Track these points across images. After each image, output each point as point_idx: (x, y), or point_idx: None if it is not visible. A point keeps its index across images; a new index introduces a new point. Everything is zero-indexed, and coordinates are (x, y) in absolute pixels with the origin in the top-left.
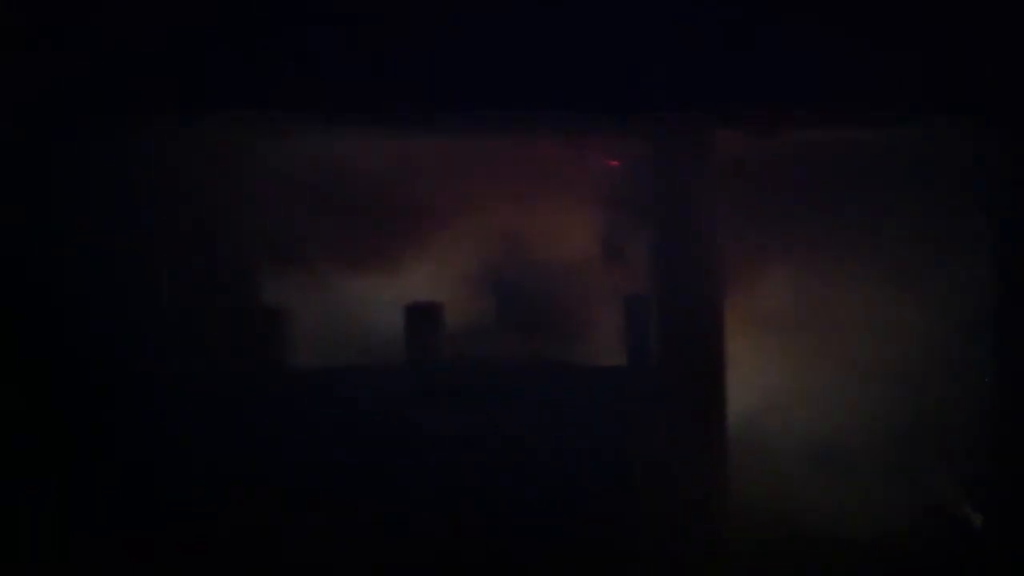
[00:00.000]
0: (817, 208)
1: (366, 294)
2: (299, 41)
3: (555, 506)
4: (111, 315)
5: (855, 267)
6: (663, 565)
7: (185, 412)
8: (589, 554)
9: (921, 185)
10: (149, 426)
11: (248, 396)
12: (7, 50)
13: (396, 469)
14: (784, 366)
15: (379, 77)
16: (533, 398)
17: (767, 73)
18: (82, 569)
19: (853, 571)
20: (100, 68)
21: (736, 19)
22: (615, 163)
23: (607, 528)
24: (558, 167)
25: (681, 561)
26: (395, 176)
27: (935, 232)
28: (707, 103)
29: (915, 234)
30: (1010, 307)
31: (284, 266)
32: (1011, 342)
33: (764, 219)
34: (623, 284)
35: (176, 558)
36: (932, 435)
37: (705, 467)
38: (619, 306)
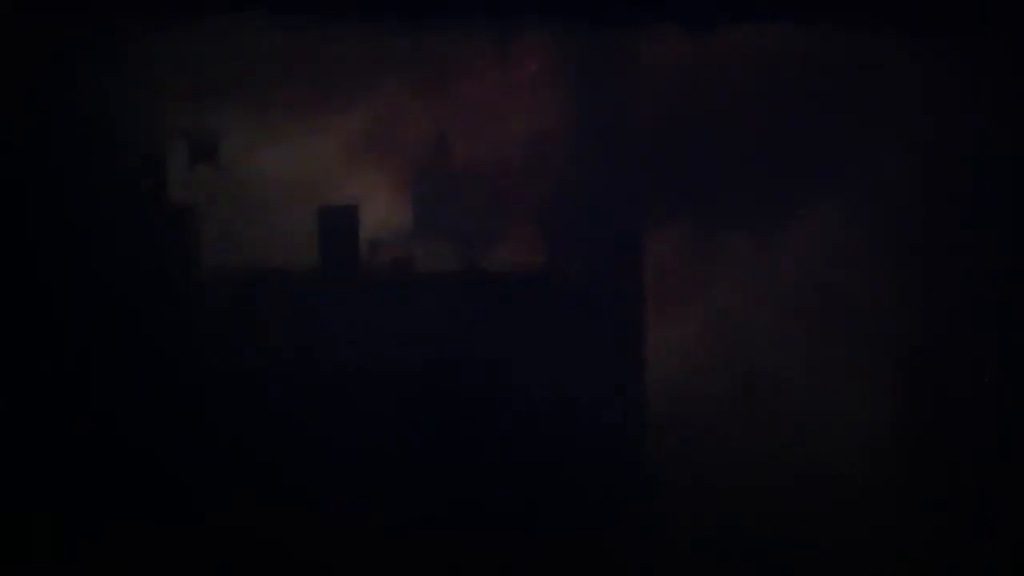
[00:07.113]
0: (760, 118)
1: (278, 192)
2: None
3: (474, 416)
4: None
5: (804, 182)
6: (595, 478)
7: (90, 315)
8: (521, 465)
9: (904, 106)
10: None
11: (155, 298)
12: None
13: (310, 378)
14: (714, 279)
15: None
16: (452, 305)
17: None
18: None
19: (789, 485)
20: None
21: None
22: (536, 67)
23: (535, 439)
24: (482, 67)
25: (612, 471)
26: (309, 67)
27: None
28: (636, 7)
29: (888, 150)
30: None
31: (192, 161)
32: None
33: (699, 131)
34: (543, 191)
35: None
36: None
37: (628, 380)
38: (539, 213)
